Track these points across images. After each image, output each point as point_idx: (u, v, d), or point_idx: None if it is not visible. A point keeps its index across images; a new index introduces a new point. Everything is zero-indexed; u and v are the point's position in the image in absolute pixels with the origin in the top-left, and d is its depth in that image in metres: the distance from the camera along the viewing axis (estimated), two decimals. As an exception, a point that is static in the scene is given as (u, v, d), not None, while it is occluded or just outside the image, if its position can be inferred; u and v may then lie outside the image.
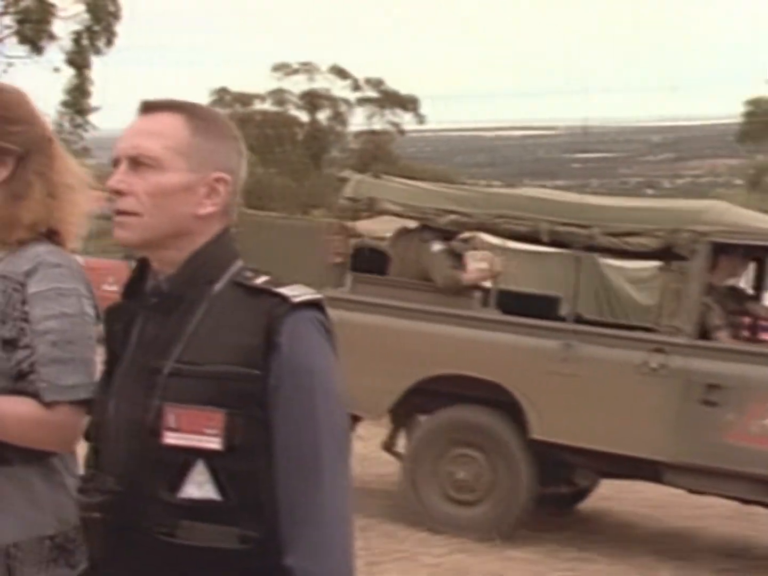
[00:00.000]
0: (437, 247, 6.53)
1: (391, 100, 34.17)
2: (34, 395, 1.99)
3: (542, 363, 6.04)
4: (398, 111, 32.17)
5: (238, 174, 1.81)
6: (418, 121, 33.70)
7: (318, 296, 1.75)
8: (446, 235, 6.66)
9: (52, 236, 2.07)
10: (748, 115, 32.54)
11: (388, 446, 6.79)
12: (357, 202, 6.83)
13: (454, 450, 6.23)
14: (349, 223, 11.96)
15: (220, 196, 1.76)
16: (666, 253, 6.43)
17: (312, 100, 34.38)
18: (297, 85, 34.78)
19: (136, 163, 1.74)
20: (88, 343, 2.05)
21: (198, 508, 1.68)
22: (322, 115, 34.87)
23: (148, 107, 1.78)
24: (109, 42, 23.74)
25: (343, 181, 7.13)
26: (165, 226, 1.74)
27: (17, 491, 2.02)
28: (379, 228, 11.67)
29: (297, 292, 1.72)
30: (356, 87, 34.86)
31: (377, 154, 31.36)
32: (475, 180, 38.42)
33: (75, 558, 2.06)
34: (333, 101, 34.89)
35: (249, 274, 1.76)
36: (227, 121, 1.85)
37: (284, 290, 1.72)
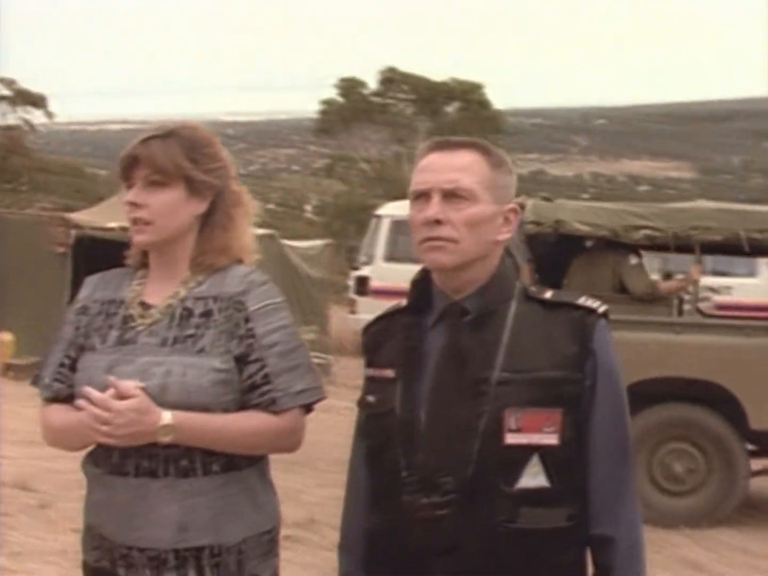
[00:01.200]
0: (634, 260, 7.15)
1: (23, 98, 34.87)
2: (261, 406, 2.12)
3: (758, 358, 6.54)
4: (30, 108, 33.43)
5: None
6: (47, 118, 35.07)
7: (606, 306, 1.97)
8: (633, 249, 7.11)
9: (239, 262, 2.22)
10: (322, 113, 36.15)
11: None
12: (541, 225, 7.10)
13: (668, 445, 6.71)
14: (69, 215, 11.96)
15: (511, 225, 1.98)
16: None
17: (-50, 98, 34.91)
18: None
19: (452, 195, 1.91)
20: (305, 348, 2.21)
21: (532, 496, 1.87)
22: (-39, 112, 35.67)
23: (448, 145, 1.97)
24: None
25: (520, 206, 6.73)
26: (475, 250, 1.92)
27: (243, 494, 2.16)
28: (99, 219, 12.16)
29: (595, 304, 1.96)
30: (-10, 86, 35.92)
31: (13, 148, 32.71)
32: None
33: (279, 548, 2.26)
34: (-31, 99, 35.56)
35: (534, 289, 1.99)
36: (506, 156, 2.02)
37: (583, 302, 1.95)
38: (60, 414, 2.20)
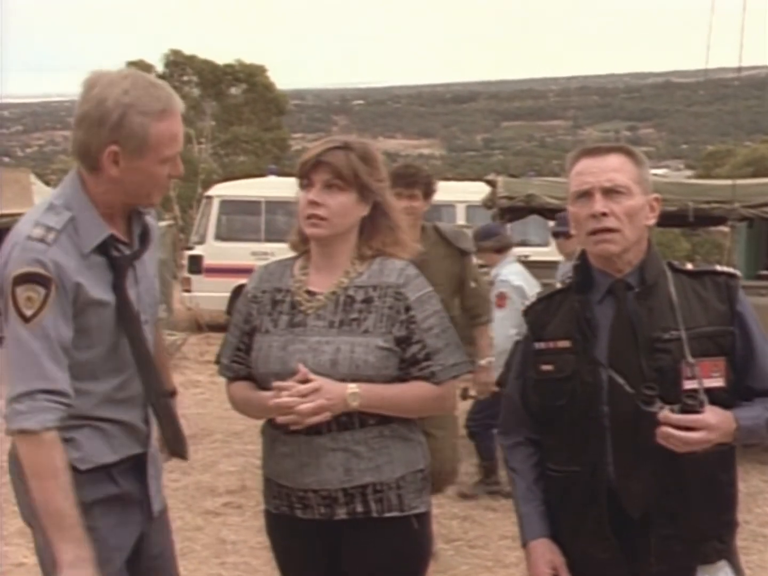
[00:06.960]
0: None
1: None
2: (422, 378, 2.41)
3: None
4: None
5: None
6: None
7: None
8: None
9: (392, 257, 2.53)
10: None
11: None
12: (513, 199, 7.71)
13: None
14: None
15: (655, 211, 2.26)
16: None
17: None
18: None
19: (611, 192, 2.19)
20: (453, 329, 2.48)
21: None
22: None
23: (599, 151, 2.25)
24: None
25: (491, 183, 8.04)
26: (634, 235, 2.21)
27: (396, 440, 2.43)
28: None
29: (730, 269, 2.29)
30: None
31: None
32: None
33: (428, 489, 2.51)
34: None
35: (676, 263, 2.28)
36: (644, 155, 2.28)
37: (723, 269, 2.28)
38: (240, 390, 2.56)
